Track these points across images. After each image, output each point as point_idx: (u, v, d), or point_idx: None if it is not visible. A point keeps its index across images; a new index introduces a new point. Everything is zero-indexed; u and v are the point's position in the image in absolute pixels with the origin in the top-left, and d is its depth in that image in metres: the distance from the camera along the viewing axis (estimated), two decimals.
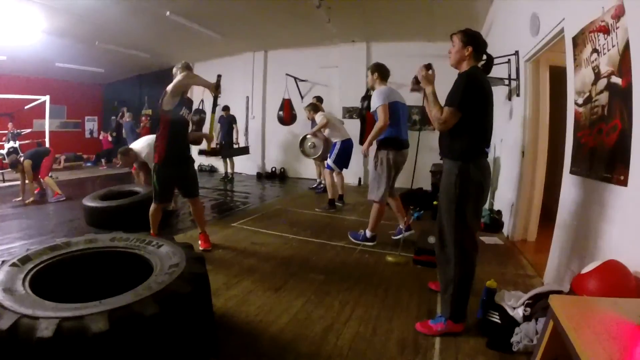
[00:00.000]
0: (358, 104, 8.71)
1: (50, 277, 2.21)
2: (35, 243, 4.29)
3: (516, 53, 4.70)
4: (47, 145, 10.38)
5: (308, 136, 7.47)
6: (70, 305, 1.71)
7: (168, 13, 7.50)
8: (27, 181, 6.80)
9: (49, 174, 7.31)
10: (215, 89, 3.80)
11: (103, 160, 14.02)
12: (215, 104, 3.99)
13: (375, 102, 4.15)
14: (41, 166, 7.02)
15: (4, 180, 9.82)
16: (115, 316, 1.62)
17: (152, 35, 9.40)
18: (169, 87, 3.65)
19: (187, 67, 3.90)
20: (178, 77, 3.67)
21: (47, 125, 10.73)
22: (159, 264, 2.17)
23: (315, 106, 7.19)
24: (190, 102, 4.12)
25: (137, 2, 7.09)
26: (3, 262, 2.17)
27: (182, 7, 7.40)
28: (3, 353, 1.60)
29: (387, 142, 4.21)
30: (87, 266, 2.45)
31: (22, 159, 7.02)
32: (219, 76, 3.93)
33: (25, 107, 11.41)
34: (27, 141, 11.86)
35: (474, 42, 2.45)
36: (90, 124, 16.57)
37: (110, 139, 14.07)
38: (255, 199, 7.61)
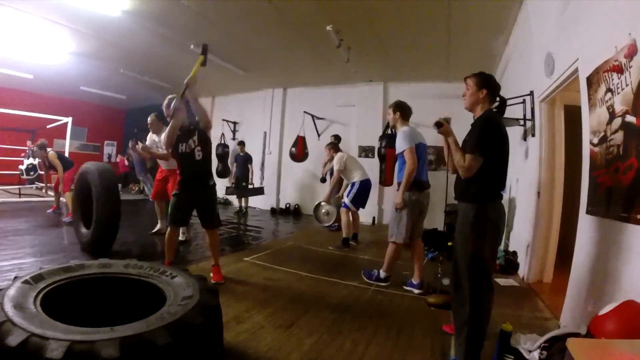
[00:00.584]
0: (374, 143, 8.78)
1: (62, 298, 2.20)
2: (46, 261, 4.38)
3: (531, 93, 4.73)
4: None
5: (322, 203, 7.59)
6: (81, 328, 1.70)
7: (192, 46, 7.73)
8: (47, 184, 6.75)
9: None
10: (203, 62, 4.09)
11: (119, 185, 14.09)
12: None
13: (402, 145, 4.13)
14: (64, 179, 7.03)
15: (20, 195, 10.02)
16: (126, 344, 1.60)
17: (175, 65, 9.64)
18: (162, 137, 3.95)
19: (159, 118, 4.11)
20: (165, 132, 4.05)
21: (67, 145, 10.93)
22: (173, 294, 2.16)
23: (336, 145, 7.23)
24: (192, 132, 4.05)
25: (163, 32, 7.35)
26: (15, 278, 2.17)
27: (206, 40, 7.56)
28: None
29: (415, 185, 4.15)
30: (100, 290, 2.44)
31: (49, 150, 7.04)
32: (205, 45, 4.10)
33: (48, 126, 11.75)
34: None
35: (488, 84, 2.49)
36: (109, 149, 17.05)
37: (126, 163, 14.21)
38: (269, 234, 7.60)
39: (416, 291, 4.10)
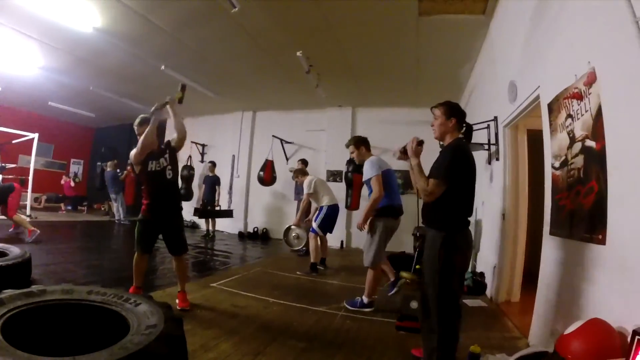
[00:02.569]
0: (343, 168, 8.84)
1: (23, 324, 2.12)
2: None
3: (495, 119, 4.87)
4: (30, 182, 10.45)
5: (292, 227, 7.56)
6: (43, 358, 1.64)
7: (163, 67, 7.71)
8: None
9: (17, 212, 7.10)
10: (179, 99, 4.05)
11: (62, 204, 13.65)
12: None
13: (369, 173, 4.23)
14: (8, 204, 6.81)
15: None
16: None
17: (146, 86, 9.63)
18: (132, 153, 3.86)
19: (143, 123, 3.98)
20: (132, 152, 3.89)
21: (32, 162, 10.64)
22: (136, 323, 2.09)
23: (303, 171, 7.22)
24: (163, 151, 4.04)
25: (136, 52, 7.31)
26: None
27: (177, 62, 7.66)
28: None
29: (383, 212, 4.25)
30: (62, 317, 2.34)
31: None
32: (183, 85, 4.06)
33: (14, 141, 11.28)
34: (10, 176, 11.58)
35: (456, 113, 2.55)
36: (76, 167, 16.47)
37: (72, 184, 13.76)
38: (237, 260, 7.46)
39: (366, 310, 4.21)
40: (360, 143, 4.58)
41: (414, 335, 3.27)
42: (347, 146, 4.70)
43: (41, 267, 4.98)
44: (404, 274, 4.12)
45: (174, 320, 2.15)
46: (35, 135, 10.58)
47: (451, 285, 2.35)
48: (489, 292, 4.85)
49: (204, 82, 8.85)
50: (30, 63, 8.55)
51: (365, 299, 4.32)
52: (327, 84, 8.01)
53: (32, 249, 5.24)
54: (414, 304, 3.66)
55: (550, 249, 2.97)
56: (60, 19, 6.06)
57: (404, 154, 2.70)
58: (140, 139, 3.82)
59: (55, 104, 12.04)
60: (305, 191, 6.61)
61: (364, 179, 4.39)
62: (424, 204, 2.57)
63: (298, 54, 6.42)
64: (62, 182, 13.52)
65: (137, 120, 4.08)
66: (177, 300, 3.93)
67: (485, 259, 5.19)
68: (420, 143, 2.61)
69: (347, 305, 4.37)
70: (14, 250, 4.48)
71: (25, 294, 2.30)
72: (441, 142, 2.64)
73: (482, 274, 5.14)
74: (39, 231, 6.68)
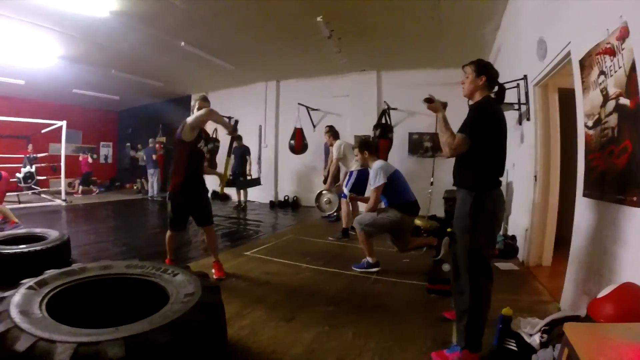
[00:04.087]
0: (369, 132, 8.77)
1: (66, 301, 2.22)
2: None
3: (525, 77, 4.71)
4: (63, 168, 10.72)
5: (324, 192, 7.56)
6: (86, 330, 1.72)
7: (183, 43, 7.73)
8: None
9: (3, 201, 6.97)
10: (232, 132, 4.03)
11: (79, 185, 13.77)
12: (231, 146, 4.09)
13: (377, 180, 4.32)
14: None
15: (19, 202, 10.04)
16: (131, 343, 1.62)
17: (166, 64, 9.68)
18: (189, 120, 3.77)
19: (205, 100, 4.03)
20: (200, 112, 3.79)
21: (63, 149, 10.93)
22: (175, 292, 2.18)
23: (335, 132, 7.21)
24: (207, 134, 4.19)
25: (153, 32, 7.31)
26: (20, 284, 2.19)
27: (196, 38, 7.62)
28: None
29: (402, 208, 4.32)
30: (103, 292, 2.47)
31: None
32: (237, 121, 4.07)
33: (42, 131, 11.69)
34: (43, 164, 12.21)
35: (487, 71, 2.49)
36: (105, 150, 17.08)
37: (90, 160, 13.96)
38: (268, 228, 7.61)
39: (373, 270, 4.36)
40: (364, 147, 4.61)
41: (445, 298, 3.32)
42: (352, 148, 4.75)
43: (79, 248, 5.21)
44: (417, 222, 4.16)
45: (211, 289, 2.23)
46: (64, 123, 10.80)
47: (481, 246, 2.35)
48: (520, 255, 4.81)
49: (222, 55, 8.81)
50: (50, 54, 8.67)
51: (370, 259, 4.42)
52: (349, 49, 7.87)
53: (69, 231, 5.49)
54: (445, 267, 3.70)
55: (583, 211, 2.91)
56: (75, 7, 6.07)
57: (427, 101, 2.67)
58: (206, 111, 3.83)
59: (79, 90, 12.29)
60: (334, 156, 6.62)
61: (371, 186, 4.48)
62: (455, 165, 2.56)
63: (318, 19, 6.29)
64: (80, 158, 13.84)
65: (200, 96, 4.07)
66: (212, 270, 4.07)
67: (517, 222, 5.13)
68: (429, 100, 2.60)
69: (354, 268, 4.47)
70: (53, 233, 4.67)
71: (67, 273, 2.42)
72: (470, 101, 2.59)
73: (513, 237, 5.10)
74: (21, 224, 6.44)
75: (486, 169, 2.39)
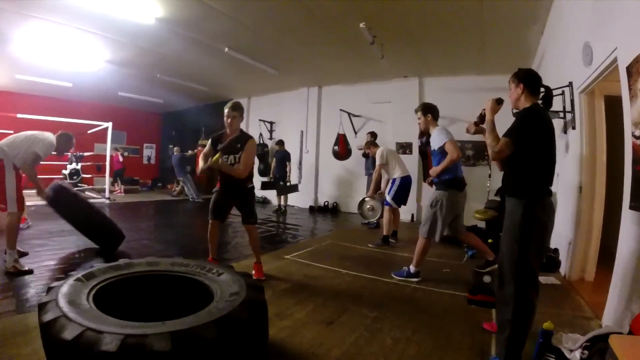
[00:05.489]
0: (411, 139, 8.74)
1: (113, 294, 2.31)
2: (89, 260, 4.74)
3: (570, 84, 4.61)
4: (107, 168, 11.32)
5: (367, 199, 7.52)
6: (133, 323, 1.77)
7: (226, 49, 7.94)
8: None
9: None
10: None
11: (116, 184, 13.97)
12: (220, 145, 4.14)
13: (442, 139, 4.24)
14: None
15: None
16: (177, 337, 1.65)
17: (210, 68, 9.96)
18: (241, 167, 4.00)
19: (235, 108, 4.12)
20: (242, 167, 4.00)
21: (108, 149, 11.46)
22: (219, 291, 2.23)
23: (374, 142, 7.26)
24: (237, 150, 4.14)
25: (197, 37, 7.55)
26: (68, 275, 2.28)
27: (239, 43, 7.81)
28: None
29: (448, 183, 4.23)
30: (147, 287, 2.55)
31: None
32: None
33: (89, 132, 12.21)
34: (88, 163, 12.84)
35: (524, 79, 2.50)
36: (149, 151, 17.82)
37: (120, 159, 14.18)
38: (308, 232, 7.72)
39: (413, 280, 4.33)
40: (428, 110, 4.54)
41: (486, 309, 3.31)
42: (416, 111, 4.64)
43: (122, 245, 5.44)
44: (476, 215, 4.03)
45: (255, 288, 2.27)
46: (109, 124, 11.32)
47: (530, 256, 2.33)
48: (562, 269, 4.68)
49: (265, 60, 8.96)
50: (97, 58, 9.12)
51: (412, 269, 4.39)
52: (391, 55, 7.85)
53: None
54: (487, 278, 3.66)
55: (629, 224, 2.83)
56: (123, 14, 6.36)
57: (481, 119, 2.74)
58: (248, 158, 4.02)
59: (125, 93, 12.83)
60: (377, 162, 6.59)
61: (433, 147, 4.38)
62: (504, 173, 2.56)
63: (361, 25, 6.29)
64: (112, 154, 14.35)
65: (230, 104, 4.15)
66: (252, 272, 4.18)
67: (560, 234, 4.98)
68: (499, 101, 2.63)
69: (394, 276, 4.45)
70: None
71: (114, 267, 2.53)
72: (514, 110, 2.62)
73: (555, 250, 4.97)
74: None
75: (537, 177, 2.37)
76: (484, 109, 2.69)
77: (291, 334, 2.90)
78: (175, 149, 12.99)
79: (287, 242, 6.58)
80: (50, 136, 4.57)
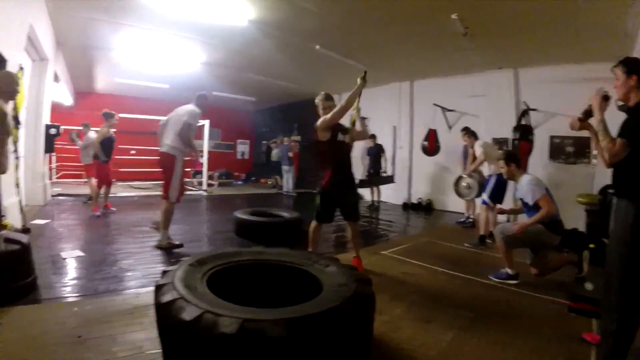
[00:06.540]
0: (506, 135, 8.45)
1: (222, 280, 2.44)
2: (191, 247, 5.27)
3: None
4: (205, 162, 12.37)
5: (464, 176, 7.45)
6: (249, 308, 1.87)
7: (318, 47, 8.16)
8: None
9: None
10: (363, 82, 4.28)
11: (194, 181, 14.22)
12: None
13: (535, 194, 4.16)
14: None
15: None
16: (292, 324, 1.71)
17: (300, 67, 10.28)
18: (318, 124, 4.22)
19: (328, 99, 4.36)
20: (326, 117, 4.20)
21: (205, 145, 12.44)
22: (328, 282, 2.32)
23: (474, 133, 7.16)
24: (341, 126, 4.40)
25: (288, 37, 7.85)
26: (181, 261, 2.47)
27: (330, 40, 7.96)
28: (184, 342, 1.79)
29: (544, 224, 4.17)
30: (255, 275, 2.72)
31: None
32: (365, 72, 4.32)
33: None
34: (187, 158, 13.63)
35: (636, 69, 2.33)
36: (242, 147, 19.13)
37: (201, 161, 14.53)
38: (402, 229, 7.85)
39: (512, 282, 4.30)
40: (511, 159, 4.53)
41: (587, 318, 3.20)
42: (498, 159, 4.66)
43: (226, 233, 5.99)
44: (579, 199, 3.85)
45: (364, 281, 2.31)
46: (207, 122, 12.17)
47: None
48: None
49: (355, 56, 8.98)
50: (193, 60, 9.86)
51: (509, 271, 4.35)
52: (484, 46, 7.59)
53: (210, 217, 6.25)
54: (588, 286, 3.57)
55: None
56: (218, 18, 6.83)
57: (586, 118, 2.62)
58: (335, 109, 4.21)
59: (219, 93, 13.59)
60: (479, 156, 6.65)
61: (525, 199, 4.32)
62: (615, 172, 2.40)
63: (453, 16, 6.18)
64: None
65: (321, 96, 4.45)
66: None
67: None
68: (607, 97, 2.47)
69: (492, 278, 4.42)
70: (285, 212, 6.46)
71: (223, 255, 2.72)
72: (620, 103, 2.48)
73: None
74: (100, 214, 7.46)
75: None
76: (589, 105, 2.53)
77: (391, 328, 3.01)
78: (285, 139, 13.62)
79: (382, 238, 6.75)
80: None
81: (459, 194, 7.70)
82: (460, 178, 7.57)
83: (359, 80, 4.29)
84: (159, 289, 2.09)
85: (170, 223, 5.22)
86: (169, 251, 5.00)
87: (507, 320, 3.36)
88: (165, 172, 5.20)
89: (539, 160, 8.22)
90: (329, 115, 4.19)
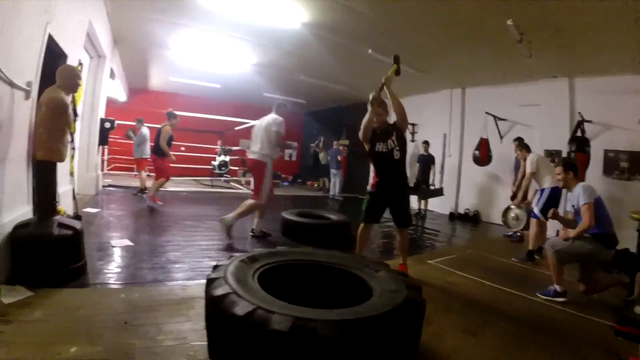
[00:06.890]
0: (560, 147, 8.28)
1: (272, 278, 2.49)
2: (235, 243, 5.59)
3: None
4: None
5: (512, 206, 7.37)
6: (302, 307, 1.89)
7: (370, 51, 8.24)
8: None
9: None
10: (395, 71, 4.48)
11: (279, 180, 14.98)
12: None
13: (582, 198, 4.13)
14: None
15: (212, 186, 12.44)
16: (345, 326, 1.74)
17: (351, 70, 10.38)
18: (360, 133, 4.39)
19: (372, 102, 4.45)
20: (359, 133, 4.43)
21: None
22: (378, 287, 2.34)
23: (526, 145, 6.96)
24: (390, 132, 4.48)
25: (340, 40, 7.98)
26: (232, 257, 2.53)
27: (381, 44, 7.99)
28: (233, 336, 1.82)
29: (601, 238, 4.13)
30: (305, 275, 2.79)
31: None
32: (396, 57, 4.57)
33: (235, 128, 13.80)
34: (235, 157, 14.49)
35: None
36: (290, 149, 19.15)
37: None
38: (448, 239, 7.88)
39: (559, 299, 4.24)
40: (569, 167, 4.45)
41: (635, 343, 3.12)
42: (555, 166, 4.61)
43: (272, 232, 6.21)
44: None
45: (415, 288, 2.36)
46: (256, 122, 12.38)
47: None
48: None
49: (407, 62, 8.71)
50: (244, 61, 10.15)
51: (557, 287, 4.30)
52: (540, 53, 7.35)
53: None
54: (638, 309, 3.52)
55: None
56: (271, 21, 7.06)
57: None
58: (363, 122, 4.40)
59: (269, 94, 13.86)
60: (528, 169, 6.30)
61: (574, 204, 4.28)
62: None
63: (508, 22, 6.05)
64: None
65: (371, 97, 4.55)
66: None
67: None
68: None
69: (539, 295, 4.38)
70: (333, 215, 6.76)
71: (274, 253, 2.82)
72: None
73: None
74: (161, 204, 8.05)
75: None
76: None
77: (436, 339, 3.04)
78: (334, 142, 13.76)
79: (428, 247, 6.81)
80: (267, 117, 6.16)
81: (507, 224, 7.66)
82: (508, 209, 7.52)
83: (389, 75, 4.49)
84: (210, 282, 2.14)
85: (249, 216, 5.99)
86: (264, 238, 5.92)
87: (552, 339, 3.34)
88: (256, 176, 5.92)
89: (591, 175, 7.91)
90: (360, 133, 4.42)
